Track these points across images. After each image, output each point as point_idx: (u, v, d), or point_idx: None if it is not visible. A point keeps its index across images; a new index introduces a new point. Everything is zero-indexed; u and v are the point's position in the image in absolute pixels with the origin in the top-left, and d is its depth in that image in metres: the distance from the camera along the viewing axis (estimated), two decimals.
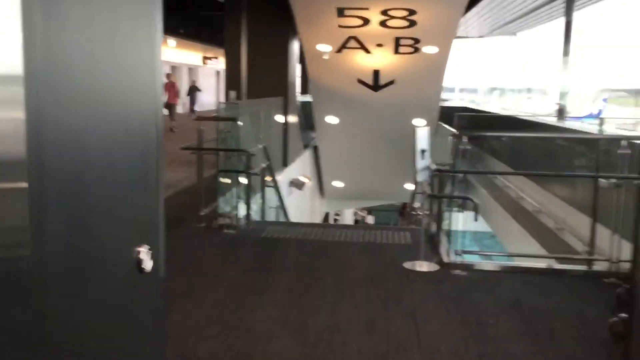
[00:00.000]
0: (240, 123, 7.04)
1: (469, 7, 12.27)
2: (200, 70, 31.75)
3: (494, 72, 34.52)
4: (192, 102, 24.19)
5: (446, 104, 21.49)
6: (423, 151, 5.57)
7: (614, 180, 5.34)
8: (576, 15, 14.85)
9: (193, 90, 24.68)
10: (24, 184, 1.14)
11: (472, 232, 9.17)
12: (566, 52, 14.08)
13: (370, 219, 24.46)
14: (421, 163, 5.57)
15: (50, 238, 1.24)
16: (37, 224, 1.18)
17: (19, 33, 1.10)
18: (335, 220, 22.18)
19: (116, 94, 1.52)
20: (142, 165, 1.70)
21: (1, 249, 1.14)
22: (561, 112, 13.91)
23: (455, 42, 12.52)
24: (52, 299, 1.26)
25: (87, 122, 1.38)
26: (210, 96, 28.93)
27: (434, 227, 6.49)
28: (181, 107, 22.71)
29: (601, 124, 6.16)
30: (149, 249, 1.71)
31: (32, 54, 1.14)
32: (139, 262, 1.69)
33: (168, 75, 19.59)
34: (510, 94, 32.24)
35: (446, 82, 14.10)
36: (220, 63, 27.69)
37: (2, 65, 1.09)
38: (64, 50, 1.27)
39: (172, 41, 25.67)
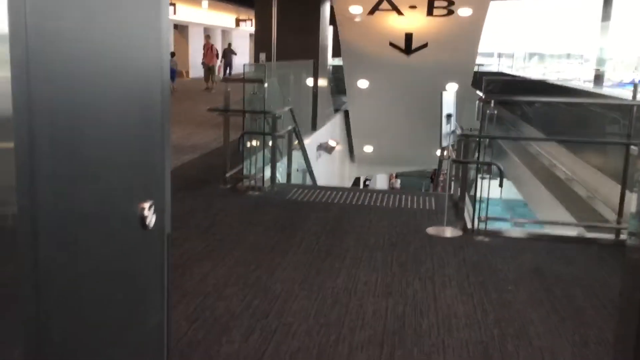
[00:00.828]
0: (266, 85, 7.01)
1: None
2: (234, 32, 31.65)
3: (533, 36, 33.53)
4: (228, 65, 23.93)
5: (482, 69, 21.02)
6: (449, 116, 5.48)
7: None
8: None
9: (228, 53, 24.37)
10: (10, 144, 1.15)
11: (505, 200, 9.04)
12: (606, 17, 13.58)
13: (397, 183, 24.45)
14: (447, 128, 5.49)
15: (42, 196, 1.25)
16: (25, 182, 1.19)
17: None
18: (366, 185, 22.15)
19: (114, 49, 1.52)
20: (143, 121, 1.71)
21: None
22: (598, 79, 13.48)
23: (492, 4, 12.18)
24: (45, 254, 1.28)
25: (83, 79, 1.38)
26: (244, 58, 28.84)
27: (459, 193, 6.43)
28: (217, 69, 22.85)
29: (636, 90, 5.93)
30: (153, 205, 1.73)
31: (17, 11, 1.13)
32: (142, 217, 1.71)
33: (207, 37, 20.62)
34: (550, 59, 31.32)
35: (483, 46, 13.75)
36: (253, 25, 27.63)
37: None
38: (55, 7, 1.27)
39: (205, 2, 25.56)
